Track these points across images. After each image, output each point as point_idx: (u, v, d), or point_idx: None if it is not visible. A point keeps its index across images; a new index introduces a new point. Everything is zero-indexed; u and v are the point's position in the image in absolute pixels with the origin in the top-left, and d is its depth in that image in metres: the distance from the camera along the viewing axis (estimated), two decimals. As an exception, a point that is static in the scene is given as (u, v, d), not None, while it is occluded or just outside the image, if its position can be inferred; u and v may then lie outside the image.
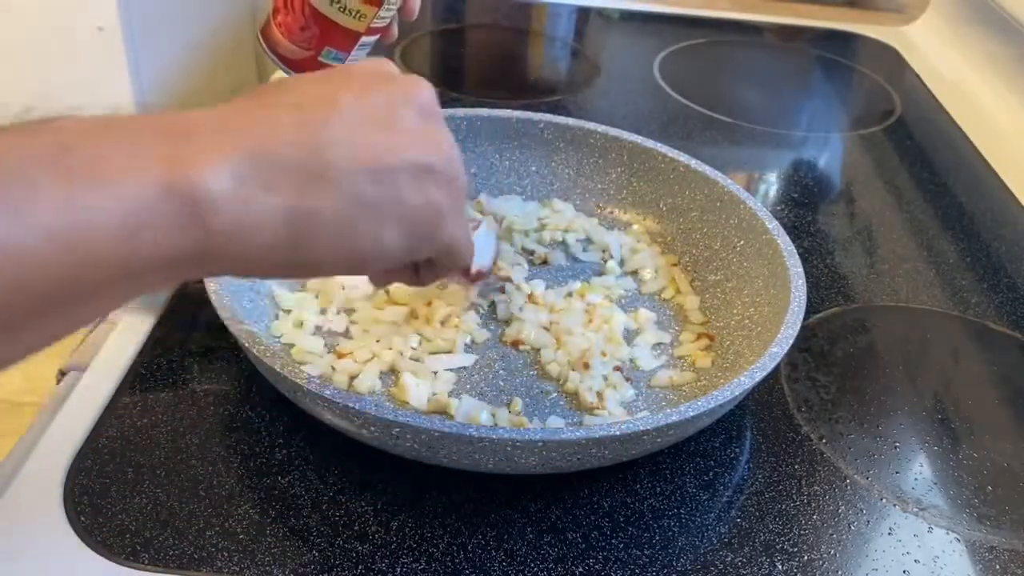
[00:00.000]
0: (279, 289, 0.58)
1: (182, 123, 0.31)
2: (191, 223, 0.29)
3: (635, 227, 0.68)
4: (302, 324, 0.56)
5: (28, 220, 0.26)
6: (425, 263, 0.42)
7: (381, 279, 0.47)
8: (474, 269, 0.55)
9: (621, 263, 0.65)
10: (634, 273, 0.64)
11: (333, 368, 0.54)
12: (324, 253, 0.34)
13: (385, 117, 0.36)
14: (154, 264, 0.29)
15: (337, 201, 0.33)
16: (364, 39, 0.58)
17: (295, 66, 0.59)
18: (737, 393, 0.46)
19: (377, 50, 0.61)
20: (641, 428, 0.43)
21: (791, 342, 0.49)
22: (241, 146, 0.31)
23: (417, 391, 0.52)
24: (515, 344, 0.57)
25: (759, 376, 0.47)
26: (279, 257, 0.33)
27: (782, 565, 0.46)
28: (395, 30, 0.60)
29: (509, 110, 0.69)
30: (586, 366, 0.55)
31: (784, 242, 0.57)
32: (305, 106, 0.34)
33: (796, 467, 0.52)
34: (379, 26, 0.58)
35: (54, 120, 0.29)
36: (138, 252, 0.28)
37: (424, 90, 0.38)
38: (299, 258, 0.34)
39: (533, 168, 0.70)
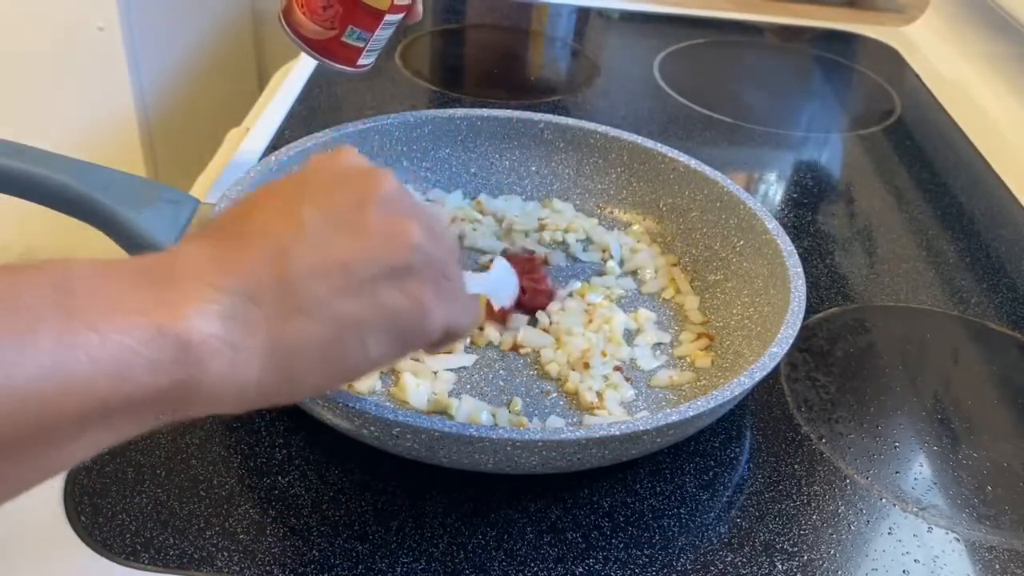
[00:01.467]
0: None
1: (169, 267, 0.32)
2: (178, 365, 0.30)
3: (635, 227, 0.68)
4: None
5: (29, 355, 0.27)
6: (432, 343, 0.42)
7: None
8: (496, 308, 0.55)
9: (621, 263, 0.65)
10: (634, 273, 0.64)
11: None
12: (314, 378, 0.34)
13: (350, 222, 0.35)
14: (141, 403, 0.29)
15: (317, 328, 0.33)
16: (388, 17, 0.57)
17: (318, 47, 0.58)
18: (737, 393, 0.46)
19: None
20: (641, 428, 0.43)
21: (791, 342, 0.49)
22: (223, 289, 0.32)
23: (417, 391, 0.52)
24: (515, 349, 0.57)
25: (759, 376, 0.47)
26: (267, 390, 0.33)
27: (782, 565, 0.46)
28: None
29: (509, 110, 0.69)
30: (586, 366, 0.55)
31: (784, 242, 0.57)
32: (272, 231, 0.34)
33: (796, 467, 0.52)
34: (403, 3, 0.57)
35: (60, 262, 0.30)
36: (127, 391, 0.29)
37: (385, 182, 0.37)
38: (289, 387, 0.34)
39: (533, 168, 0.70)
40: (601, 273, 0.64)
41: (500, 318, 0.57)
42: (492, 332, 0.57)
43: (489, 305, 0.57)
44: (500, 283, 0.57)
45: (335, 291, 0.34)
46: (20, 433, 0.28)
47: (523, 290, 0.58)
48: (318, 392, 0.36)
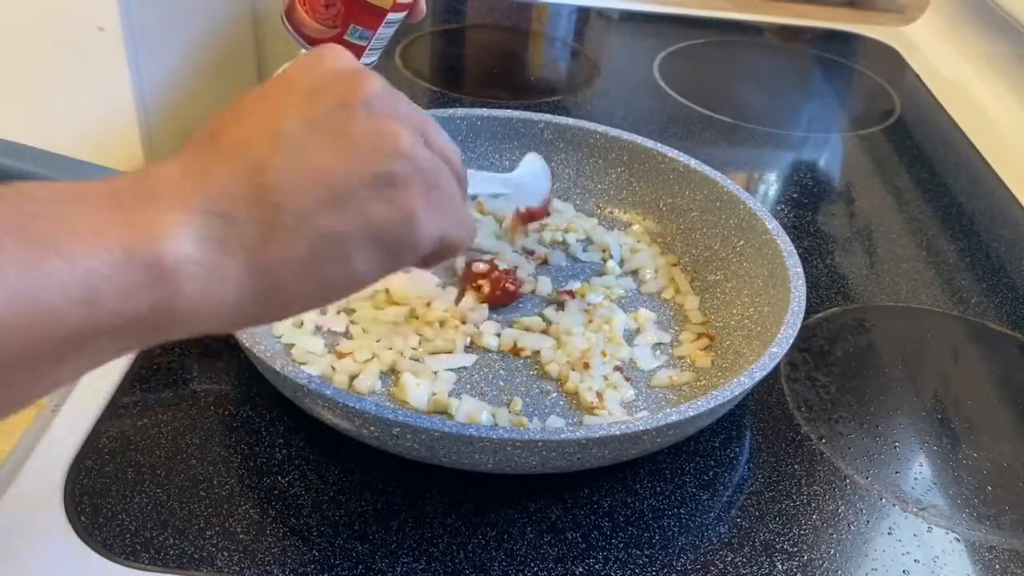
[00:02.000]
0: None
1: (140, 188, 0.30)
2: (153, 289, 0.29)
3: (635, 227, 0.68)
4: (302, 324, 0.56)
5: None
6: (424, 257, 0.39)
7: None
8: (523, 208, 0.54)
9: (621, 263, 0.65)
10: (634, 273, 0.64)
11: (333, 368, 0.54)
12: (296, 296, 0.33)
13: (332, 128, 0.33)
14: (117, 329, 0.28)
15: (298, 244, 0.32)
16: (391, 15, 0.57)
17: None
18: (737, 393, 0.46)
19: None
20: (641, 428, 0.43)
21: (791, 342, 0.49)
22: (198, 208, 0.30)
23: (417, 391, 0.52)
24: (514, 352, 0.57)
25: (759, 376, 0.47)
26: (249, 311, 0.32)
27: (782, 565, 0.46)
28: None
29: (509, 110, 0.69)
30: (586, 366, 0.55)
31: (784, 242, 0.57)
32: (248, 143, 0.32)
33: (796, 467, 0.52)
34: (406, 1, 0.57)
35: (23, 186, 0.28)
36: (100, 318, 0.28)
37: (368, 83, 0.34)
38: (271, 308, 0.33)
39: None
40: (601, 273, 0.64)
41: (526, 219, 0.56)
42: (490, 339, 0.57)
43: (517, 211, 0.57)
44: (531, 181, 0.56)
45: (316, 204, 0.32)
46: None
47: (490, 287, 0.59)
48: (307, 309, 0.34)
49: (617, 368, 0.56)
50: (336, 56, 0.36)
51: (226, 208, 0.31)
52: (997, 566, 0.47)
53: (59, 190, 0.29)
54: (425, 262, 0.37)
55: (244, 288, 0.31)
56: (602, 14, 1.16)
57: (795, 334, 0.50)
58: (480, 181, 0.50)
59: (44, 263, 0.26)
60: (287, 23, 0.58)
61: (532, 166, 0.57)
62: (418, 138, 0.35)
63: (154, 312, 0.29)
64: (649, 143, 0.67)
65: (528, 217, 0.57)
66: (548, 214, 0.60)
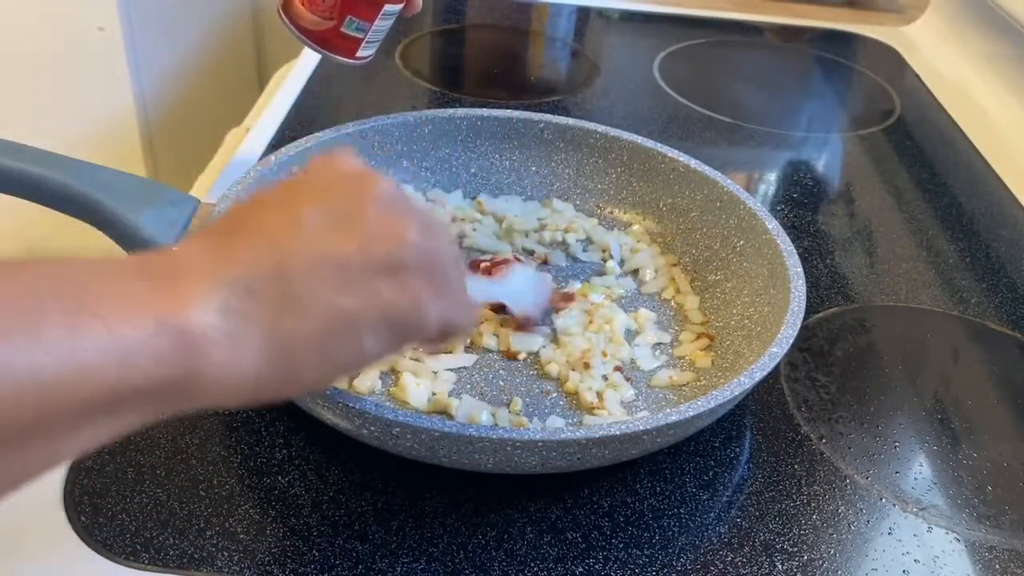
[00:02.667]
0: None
1: (168, 263, 0.33)
2: (181, 356, 0.31)
3: (635, 227, 0.68)
4: None
5: (40, 345, 0.28)
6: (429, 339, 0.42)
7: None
8: (518, 314, 0.55)
9: (621, 263, 0.65)
10: (634, 273, 0.64)
11: None
12: (311, 371, 0.35)
13: (348, 219, 0.36)
14: (145, 392, 0.30)
15: (313, 321, 0.34)
16: (387, 7, 0.57)
17: (317, 38, 0.58)
18: (737, 393, 0.46)
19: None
20: (641, 428, 0.43)
21: (791, 342, 0.49)
22: (223, 281, 0.33)
23: (417, 391, 0.52)
24: (511, 355, 0.57)
25: (759, 376, 0.47)
26: (267, 381, 0.33)
27: (782, 565, 0.46)
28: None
29: (509, 110, 0.69)
30: (586, 366, 0.55)
31: (784, 242, 0.57)
32: (269, 228, 0.35)
33: (796, 467, 0.52)
34: None
35: (64, 260, 0.31)
36: (132, 380, 0.30)
37: (379, 183, 0.38)
38: (287, 380, 0.34)
39: (533, 168, 0.70)
40: (601, 273, 0.64)
41: (522, 325, 0.56)
42: (489, 339, 0.57)
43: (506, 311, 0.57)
44: (522, 288, 0.56)
45: (331, 286, 0.34)
46: (27, 423, 0.28)
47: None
48: (317, 386, 0.37)
49: (617, 368, 0.56)
50: (348, 159, 0.39)
51: (249, 283, 0.33)
52: (997, 566, 0.47)
53: (98, 264, 0.32)
54: (430, 344, 0.40)
55: (263, 359, 0.33)
56: (602, 14, 1.16)
57: (795, 334, 0.50)
58: (475, 288, 0.52)
59: (88, 329, 0.29)
60: (283, 16, 0.58)
61: (525, 274, 0.58)
62: (425, 231, 0.38)
63: (182, 378, 0.31)
64: (649, 143, 0.67)
65: (523, 324, 0.57)
66: (541, 323, 0.59)
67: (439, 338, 0.39)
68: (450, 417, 0.51)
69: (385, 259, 0.36)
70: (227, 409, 0.34)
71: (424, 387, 0.52)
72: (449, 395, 0.53)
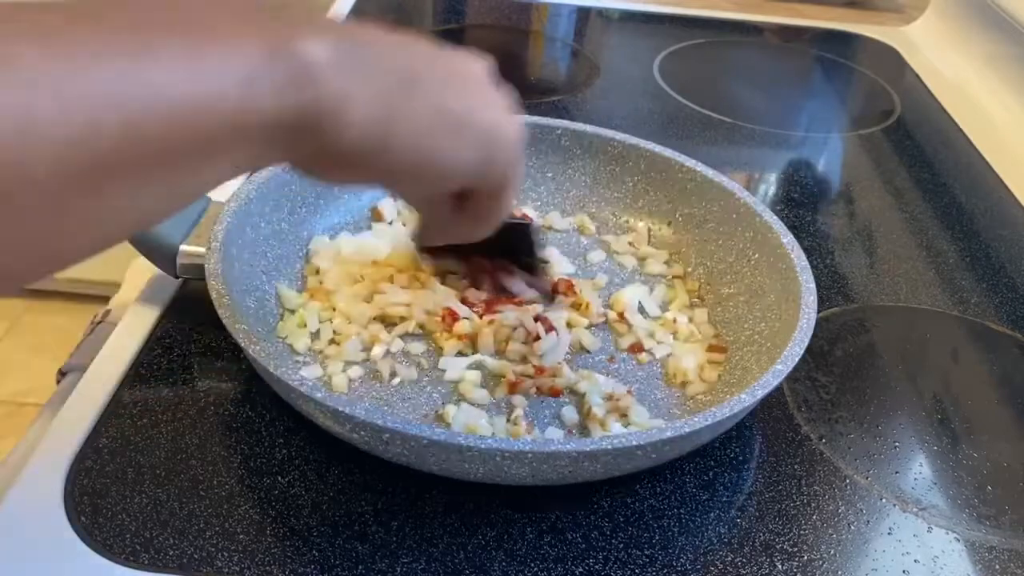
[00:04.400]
0: (285, 290, 0.58)
1: (272, 8, 0.32)
2: (298, 86, 0.31)
3: (652, 236, 0.67)
4: (306, 325, 0.56)
5: (160, 69, 0.28)
6: (472, 204, 0.43)
7: (439, 219, 0.47)
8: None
9: (637, 272, 0.65)
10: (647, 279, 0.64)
11: (324, 355, 0.54)
12: (406, 152, 0.35)
13: (465, 66, 0.39)
14: (266, 124, 0.30)
15: (426, 104, 0.35)
16: None
17: None
18: (736, 411, 0.45)
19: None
20: (635, 443, 0.43)
21: (796, 360, 0.49)
22: (339, 36, 0.33)
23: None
24: (554, 393, 0.54)
25: (760, 395, 0.47)
26: (366, 143, 0.34)
27: (782, 565, 0.46)
28: None
29: (526, 115, 0.68)
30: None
31: (798, 256, 0.56)
32: (390, 34, 0.36)
33: (796, 467, 0.52)
34: None
35: None
36: (254, 108, 0.30)
37: (482, 65, 0.40)
38: (383, 150, 0.35)
39: (549, 175, 0.69)
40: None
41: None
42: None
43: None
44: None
45: (446, 86, 0.36)
46: (150, 150, 0.28)
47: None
48: (397, 180, 0.39)
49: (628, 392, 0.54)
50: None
51: (374, 49, 0.34)
52: (997, 566, 0.47)
53: (193, 0, 0.31)
54: (475, 206, 0.43)
55: (371, 118, 0.33)
56: (602, 14, 1.16)
57: (802, 352, 0.49)
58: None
59: (209, 53, 0.29)
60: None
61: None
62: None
63: (299, 110, 0.31)
64: (668, 152, 0.66)
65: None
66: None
67: (492, 195, 0.42)
68: (447, 425, 0.51)
69: (495, 99, 0.39)
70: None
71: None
72: (447, 403, 0.52)
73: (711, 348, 0.58)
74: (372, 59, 0.34)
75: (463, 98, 0.37)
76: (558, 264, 0.63)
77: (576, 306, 0.59)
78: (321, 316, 0.57)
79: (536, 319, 0.56)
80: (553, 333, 0.55)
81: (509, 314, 0.56)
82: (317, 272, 0.60)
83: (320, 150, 0.33)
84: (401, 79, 0.35)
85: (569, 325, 0.58)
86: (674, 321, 0.59)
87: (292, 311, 0.57)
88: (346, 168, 0.36)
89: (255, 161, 0.33)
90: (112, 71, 0.27)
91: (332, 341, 0.56)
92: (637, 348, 0.58)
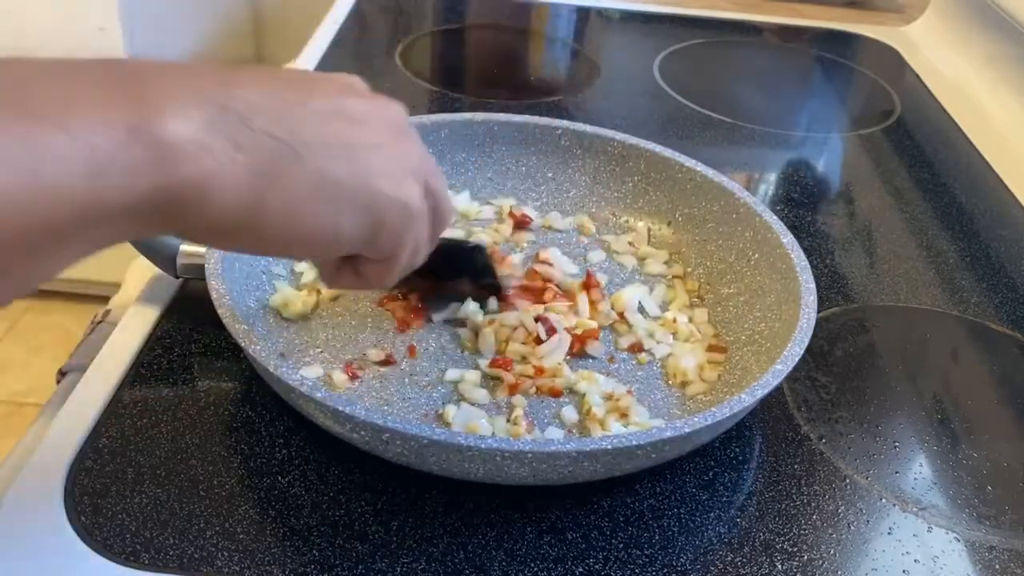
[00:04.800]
0: (285, 289, 0.58)
1: (145, 69, 0.29)
2: (157, 168, 0.28)
3: (652, 236, 0.67)
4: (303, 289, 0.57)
5: None
6: (360, 266, 0.41)
7: (330, 274, 0.44)
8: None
9: (637, 271, 0.65)
10: (648, 280, 0.64)
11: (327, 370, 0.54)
12: (279, 226, 0.33)
13: (359, 120, 0.35)
14: (120, 210, 0.28)
15: (303, 173, 0.32)
16: None
17: None
18: (736, 411, 0.45)
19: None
20: (635, 443, 0.43)
21: (796, 360, 0.49)
22: (211, 99, 0.30)
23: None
24: (553, 393, 0.54)
25: (760, 394, 0.47)
26: (235, 220, 0.31)
27: (782, 565, 0.46)
28: None
29: (526, 116, 0.68)
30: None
31: (798, 256, 0.56)
32: (280, 86, 0.33)
33: (796, 467, 0.52)
34: None
35: (12, 61, 0.27)
36: (105, 196, 0.27)
37: (396, 107, 0.37)
38: (253, 227, 0.32)
39: (550, 174, 0.69)
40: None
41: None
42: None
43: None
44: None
45: (332, 150, 0.33)
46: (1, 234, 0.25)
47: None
48: (277, 250, 0.36)
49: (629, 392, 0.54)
50: (365, 84, 0.38)
51: (251, 114, 0.31)
52: (997, 566, 0.47)
53: (54, 65, 0.28)
54: (385, 263, 0.39)
55: (240, 196, 0.31)
56: (602, 14, 1.16)
57: (802, 352, 0.49)
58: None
59: (46, 136, 0.25)
60: None
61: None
62: (430, 160, 0.38)
63: (157, 193, 0.28)
64: (667, 152, 0.66)
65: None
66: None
67: (394, 259, 0.38)
68: (447, 425, 0.51)
69: (393, 160, 0.35)
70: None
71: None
72: (447, 402, 0.52)
73: (711, 348, 0.58)
74: (248, 129, 0.31)
75: (350, 164, 0.34)
76: (560, 264, 0.63)
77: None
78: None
79: (537, 319, 0.56)
80: (555, 336, 0.55)
81: (510, 315, 0.57)
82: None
83: (186, 227, 0.31)
84: (278, 149, 0.32)
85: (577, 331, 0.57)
86: (674, 321, 0.59)
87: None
88: (222, 241, 0.34)
89: (118, 240, 0.30)
90: None
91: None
92: (637, 348, 0.58)
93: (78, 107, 0.27)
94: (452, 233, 0.65)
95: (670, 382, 0.56)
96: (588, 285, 0.60)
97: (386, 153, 0.35)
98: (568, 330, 0.57)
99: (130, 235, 0.30)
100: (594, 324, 0.58)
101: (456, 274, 0.58)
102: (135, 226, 0.29)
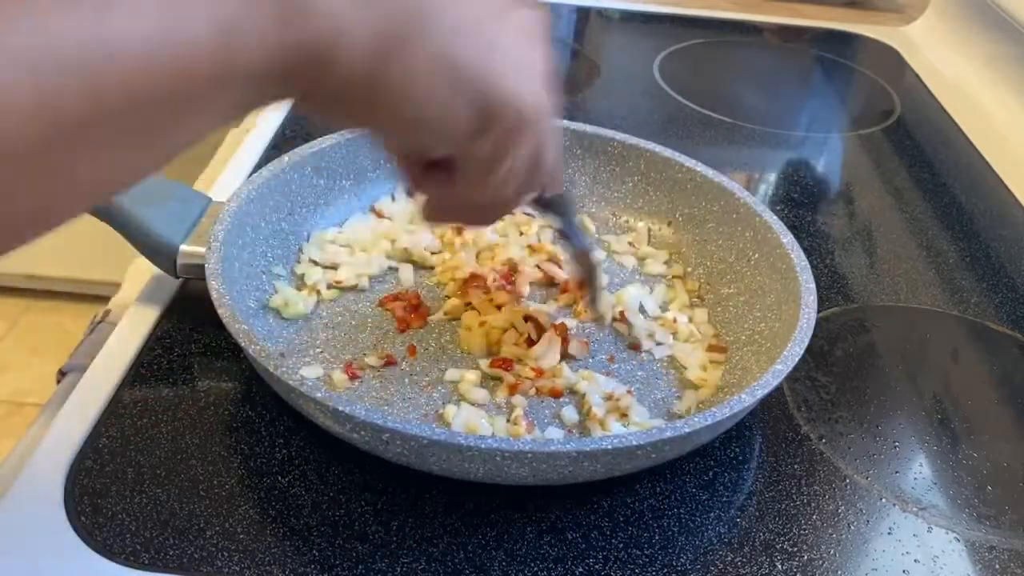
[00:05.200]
0: (285, 290, 0.58)
1: None
2: (286, 24, 0.28)
3: (652, 236, 0.67)
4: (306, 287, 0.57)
5: (117, 21, 0.25)
6: (460, 174, 0.39)
7: (418, 174, 0.42)
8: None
9: (637, 272, 0.65)
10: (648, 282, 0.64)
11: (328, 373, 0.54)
12: (395, 96, 0.32)
13: (499, 12, 0.34)
14: (253, 69, 0.28)
15: (428, 45, 0.31)
16: None
17: None
18: (736, 411, 0.45)
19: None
20: (635, 443, 0.43)
21: (796, 360, 0.49)
22: None
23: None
24: (553, 394, 0.55)
25: (760, 395, 0.47)
26: (356, 83, 0.31)
27: (782, 565, 0.46)
28: None
29: None
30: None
31: (798, 256, 0.56)
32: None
33: (796, 467, 0.52)
34: None
35: None
36: (233, 54, 0.27)
37: (541, 16, 0.37)
38: (370, 94, 0.31)
39: None
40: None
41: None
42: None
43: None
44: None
45: (457, 33, 0.32)
46: (118, 111, 0.25)
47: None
48: (387, 124, 0.34)
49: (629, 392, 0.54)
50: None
51: None
52: (997, 566, 0.47)
53: None
54: (485, 166, 0.37)
55: (364, 56, 0.30)
56: (602, 14, 1.16)
57: (802, 352, 0.49)
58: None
59: None
60: None
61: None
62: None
63: (287, 51, 0.28)
64: (667, 152, 0.66)
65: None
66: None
67: (502, 170, 0.37)
68: (447, 425, 0.51)
69: (520, 57, 0.34)
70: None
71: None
72: (447, 403, 0.52)
73: (711, 348, 0.58)
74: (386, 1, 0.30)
75: (475, 49, 0.33)
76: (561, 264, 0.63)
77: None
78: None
79: (526, 319, 0.56)
80: (545, 335, 0.55)
81: (499, 317, 0.57)
82: (314, 263, 0.61)
83: (312, 88, 0.31)
84: (408, 16, 0.31)
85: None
86: (674, 321, 0.59)
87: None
88: (335, 107, 0.33)
89: (242, 109, 0.30)
90: (68, 23, 0.24)
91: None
92: (637, 348, 0.58)
93: None
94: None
95: (671, 383, 0.56)
96: (581, 285, 0.60)
97: (517, 53, 0.34)
98: (556, 327, 0.56)
99: (259, 98, 0.30)
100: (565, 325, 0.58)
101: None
102: (264, 89, 0.29)
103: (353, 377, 0.53)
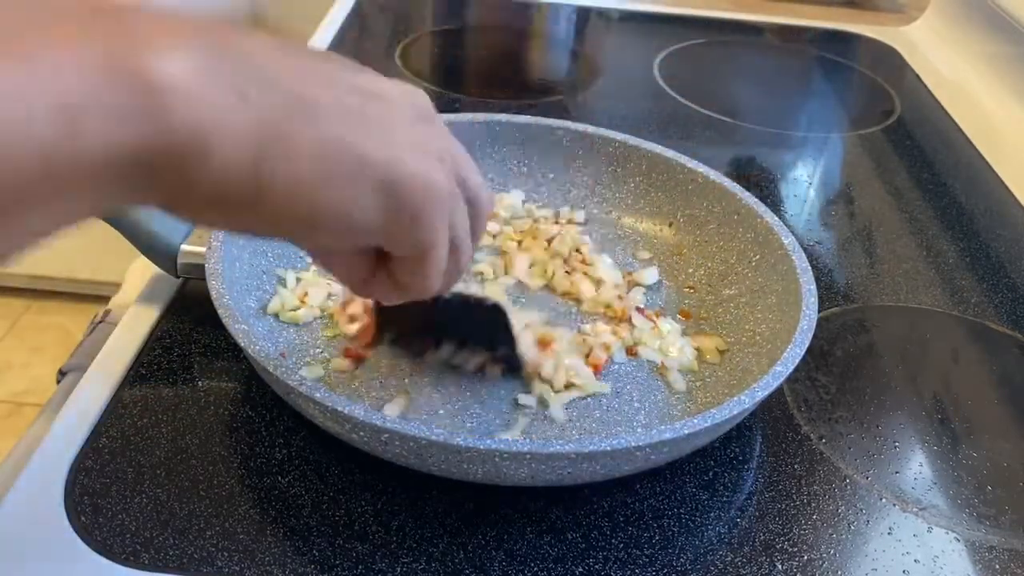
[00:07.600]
0: (286, 290, 0.58)
1: (130, 6, 0.25)
2: (144, 115, 0.23)
3: (652, 237, 0.67)
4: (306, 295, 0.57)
5: None
6: (389, 267, 0.36)
7: (361, 281, 0.38)
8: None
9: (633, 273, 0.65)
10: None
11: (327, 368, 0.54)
12: (285, 197, 0.28)
13: (381, 96, 0.31)
14: (101, 167, 0.23)
15: (316, 136, 0.28)
16: None
17: None
18: (736, 412, 0.45)
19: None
20: (634, 444, 0.43)
21: (797, 361, 0.49)
22: (211, 43, 0.25)
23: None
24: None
25: (760, 396, 0.47)
26: (233, 184, 0.26)
27: (782, 565, 0.46)
28: None
29: (528, 116, 0.68)
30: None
31: (799, 258, 0.56)
32: (292, 50, 0.29)
33: (796, 467, 0.52)
34: None
35: None
36: (80, 147, 0.22)
37: (421, 94, 0.34)
38: (255, 197, 0.27)
39: (551, 175, 0.69)
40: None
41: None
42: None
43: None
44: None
45: (351, 117, 0.29)
46: None
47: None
48: (276, 229, 0.30)
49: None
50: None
51: (249, 60, 0.26)
52: (997, 566, 0.47)
53: None
54: (418, 261, 0.34)
55: (241, 154, 0.26)
56: (602, 14, 1.16)
57: (802, 353, 0.49)
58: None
59: (4, 71, 0.21)
60: None
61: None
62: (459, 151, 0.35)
63: (144, 142, 0.24)
64: (669, 153, 0.66)
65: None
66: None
67: (435, 257, 0.34)
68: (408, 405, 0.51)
69: (418, 137, 0.31)
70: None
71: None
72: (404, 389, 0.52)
73: (681, 313, 0.59)
74: (250, 76, 0.26)
75: (368, 134, 0.29)
76: (609, 277, 0.63)
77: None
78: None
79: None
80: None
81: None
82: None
83: (180, 193, 0.26)
84: (289, 107, 0.27)
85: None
86: (672, 321, 0.59)
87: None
88: (220, 214, 0.28)
89: (102, 209, 0.25)
90: None
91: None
92: (636, 348, 0.58)
93: (42, 43, 0.22)
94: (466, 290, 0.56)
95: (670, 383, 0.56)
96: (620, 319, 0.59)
97: (408, 131, 0.31)
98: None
99: (115, 200, 0.25)
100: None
101: (468, 335, 0.52)
102: (120, 190, 0.25)
103: (357, 359, 0.53)
